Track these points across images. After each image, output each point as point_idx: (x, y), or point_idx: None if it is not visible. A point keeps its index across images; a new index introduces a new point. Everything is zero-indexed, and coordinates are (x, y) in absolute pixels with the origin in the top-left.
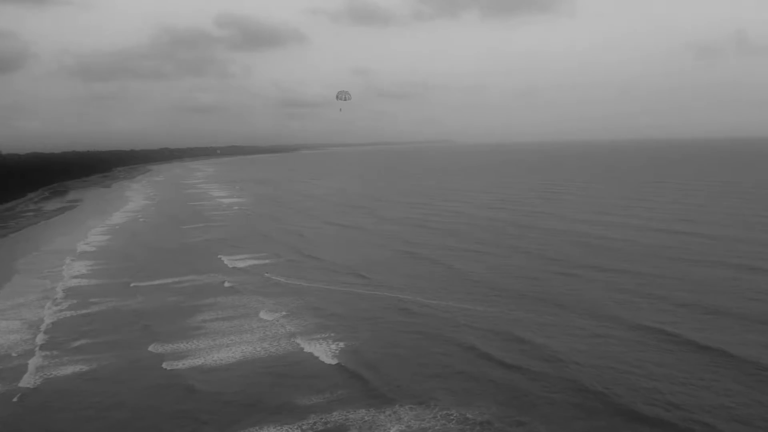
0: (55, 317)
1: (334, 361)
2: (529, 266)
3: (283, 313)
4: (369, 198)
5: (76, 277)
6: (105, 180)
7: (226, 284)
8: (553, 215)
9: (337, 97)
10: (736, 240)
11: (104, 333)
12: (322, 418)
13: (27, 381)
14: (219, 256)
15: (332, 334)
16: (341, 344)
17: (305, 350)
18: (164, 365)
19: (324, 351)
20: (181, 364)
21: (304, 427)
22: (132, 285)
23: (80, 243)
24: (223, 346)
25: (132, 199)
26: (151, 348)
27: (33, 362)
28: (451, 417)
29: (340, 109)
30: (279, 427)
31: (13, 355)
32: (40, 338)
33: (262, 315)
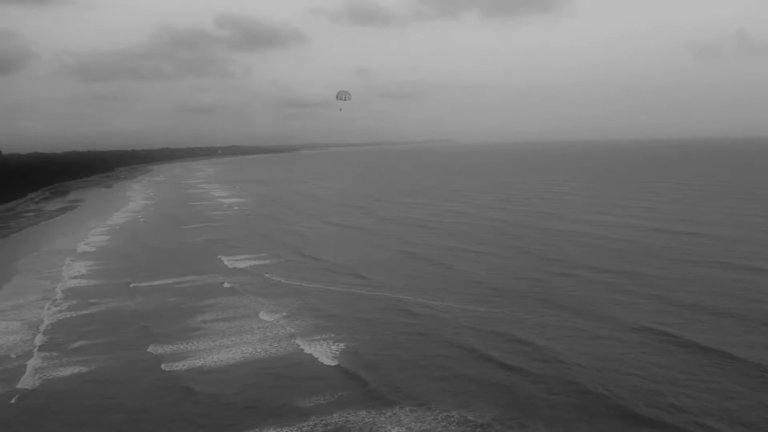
0: (55, 318)
1: (334, 363)
2: (530, 267)
3: (283, 313)
4: (369, 198)
5: (75, 277)
6: (106, 180)
7: (226, 285)
8: (554, 215)
9: (337, 97)
10: (736, 240)
11: (103, 334)
12: (322, 420)
13: (25, 382)
14: (219, 257)
15: (332, 335)
16: (341, 345)
17: (305, 351)
18: (163, 366)
19: (324, 352)
20: (180, 366)
21: (304, 429)
22: (132, 285)
23: (80, 243)
24: (222, 347)
25: (132, 199)
26: (150, 349)
27: (32, 363)
28: (452, 419)
29: (340, 109)
30: (279, 429)
31: (12, 356)
32: (39, 339)
33: (262, 316)
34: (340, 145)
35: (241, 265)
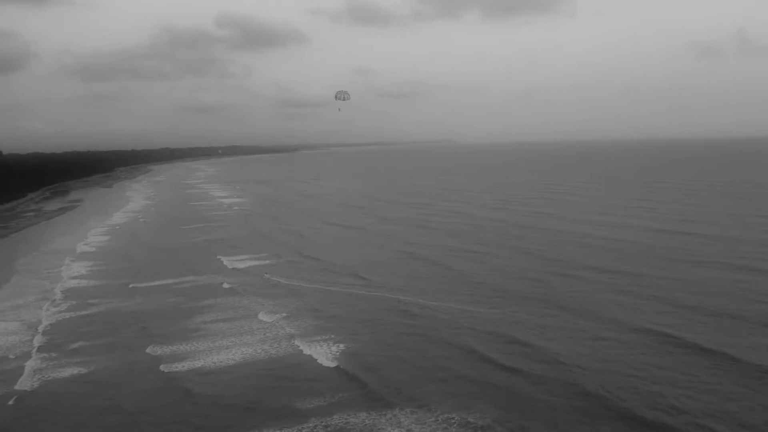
0: (54, 319)
1: (334, 364)
2: (531, 267)
3: (283, 314)
4: (369, 198)
5: (75, 277)
6: (106, 180)
7: (226, 285)
8: (554, 216)
9: (336, 97)
10: (737, 241)
11: (102, 335)
12: (322, 422)
13: (24, 383)
14: (218, 257)
15: (332, 336)
16: (341, 346)
17: (305, 352)
18: (162, 367)
19: (324, 353)
20: (179, 367)
21: (303, 430)
22: (131, 286)
23: (80, 243)
24: (221, 348)
25: (132, 199)
26: (149, 350)
27: (30, 364)
28: (452, 421)
29: (339, 109)
30: (278, 431)
31: (11, 357)
32: (37, 340)
33: (262, 316)
34: (340, 146)
35: (241, 265)
